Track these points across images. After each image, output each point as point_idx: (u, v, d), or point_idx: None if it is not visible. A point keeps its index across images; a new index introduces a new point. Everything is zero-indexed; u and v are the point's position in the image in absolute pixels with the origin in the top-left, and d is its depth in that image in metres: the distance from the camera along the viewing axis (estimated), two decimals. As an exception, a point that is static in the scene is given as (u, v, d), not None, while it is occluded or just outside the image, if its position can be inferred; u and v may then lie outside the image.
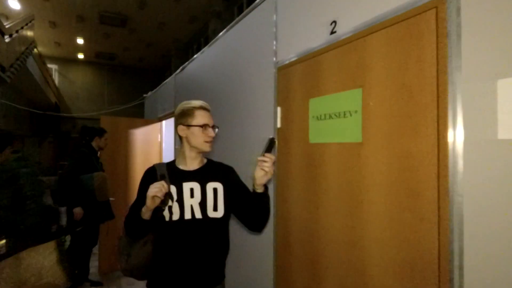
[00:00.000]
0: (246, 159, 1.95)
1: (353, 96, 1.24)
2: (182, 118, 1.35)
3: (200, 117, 1.33)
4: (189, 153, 1.37)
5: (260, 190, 1.26)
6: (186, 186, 1.32)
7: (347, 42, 1.26)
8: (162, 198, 1.17)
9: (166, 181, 1.26)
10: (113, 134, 3.60)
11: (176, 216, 1.28)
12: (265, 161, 1.18)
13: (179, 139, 1.43)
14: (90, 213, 2.97)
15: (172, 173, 1.34)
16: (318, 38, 1.41)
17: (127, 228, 1.30)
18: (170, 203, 1.27)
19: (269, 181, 1.26)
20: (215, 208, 1.32)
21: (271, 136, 1.21)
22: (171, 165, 1.40)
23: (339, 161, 1.29)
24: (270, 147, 1.20)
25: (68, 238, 3.03)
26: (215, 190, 1.35)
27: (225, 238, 1.39)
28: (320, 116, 1.40)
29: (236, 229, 1.95)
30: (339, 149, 1.29)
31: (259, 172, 1.20)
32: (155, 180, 1.30)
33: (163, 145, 4.22)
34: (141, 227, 1.27)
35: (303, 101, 1.51)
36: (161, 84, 4.21)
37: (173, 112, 3.55)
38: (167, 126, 4.38)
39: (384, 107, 1.11)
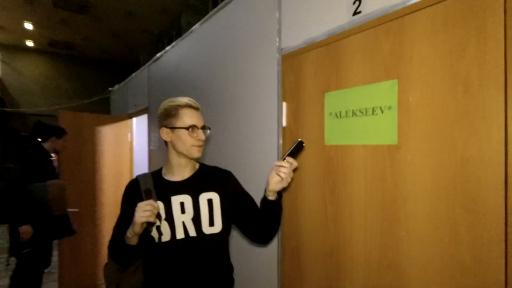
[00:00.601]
0: (242, 165, 1.70)
1: (385, 89, 1.04)
2: (166, 119, 1.12)
3: (186, 117, 1.10)
4: (176, 160, 1.15)
5: (272, 197, 1.06)
6: (175, 200, 1.11)
7: (376, 24, 1.06)
8: (154, 221, 0.96)
9: (152, 197, 1.07)
10: (76, 132, 3.15)
11: (166, 237, 1.07)
12: (283, 166, 0.98)
13: (164, 144, 1.17)
14: (42, 230, 2.46)
15: (158, 185, 1.12)
16: (336, 20, 1.20)
17: (112, 255, 1.11)
18: (157, 222, 1.06)
19: (284, 189, 1.05)
20: (212, 223, 1.12)
21: (299, 139, 1.02)
22: (157, 175, 1.17)
23: (366, 167, 1.09)
24: (295, 151, 1.00)
25: (13, 260, 2.51)
26: (210, 201, 1.14)
27: (226, 254, 1.18)
28: (340, 113, 1.19)
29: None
30: (366, 153, 1.09)
31: (274, 177, 1.01)
32: (139, 195, 1.09)
33: (134, 145, 3.82)
34: (128, 254, 1.05)
35: (316, 96, 1.29)
36: (131, 76, 3.79)
37: (146, 108, 3.18)
38: (139, 124, 3.97)
39: (430, 103, 0.92)
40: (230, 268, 1.19)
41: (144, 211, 0.95)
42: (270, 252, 1.50)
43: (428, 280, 0.91)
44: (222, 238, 1.14)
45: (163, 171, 1.19)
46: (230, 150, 1.81)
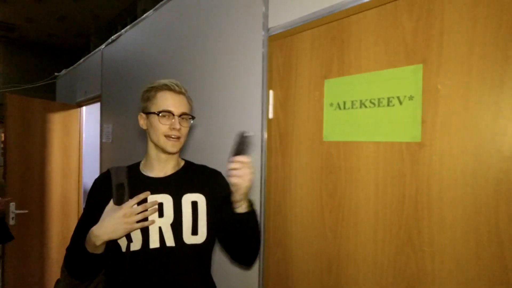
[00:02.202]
0: (219, 162, 1.45)
1: (406, 76, 0.86)
2: (142, 103, 0.98)
3: (161, 101, 0.91)
4: (154, 153, 0.96)
5: (240, 209, 0.88)
6: (153, 200, 0.91)
7: (395, -2, 0.88)
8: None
9: (125, 194, 0.88)
10: (24, 121, 2.67)
11: (137, 245, 0.88)
12: (234, 168, 0.83)
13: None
14: None
15: (134, 181, 0.91)
16: (342, -6, 1.00)
17: (69, 266, 0.92)
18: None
19: (249, 192, 0.89)
20: (195, 231, 0.92)
21: (241, 131, 0.87)
22: (134, 169, 0.98)
23: (378, 167, 0.91)
24: (241, 147, 0.85)
25: None
26: (194, 204, 0.95)
27: (208, 270, 0.99)
28: (344, 103, 1.00)
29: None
30: (378, 151, 0.91)
31: (232, 186, 0.86)
32: (109, 192, 0.90)
33: (83, 137, 3.35)
34: (90, 264, 0.87)
35: (313, 83, 1.09)
36: (82, 59, 3.31)
37: (98, 96, 2.77)
38: (89, 113, 3.50)
39: (464, 92, 0.76)
40: (212, 287, 0.99)
41: (128, 217, 0.81)
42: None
43: (459, 305, 0.75)
44: (205, 250, 0.94)
45: (142, 164, 1.01)
46: (205, 145, 1.55)
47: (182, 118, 0.93)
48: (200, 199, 0.96)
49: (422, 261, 0.81)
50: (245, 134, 0.86)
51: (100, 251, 0.84)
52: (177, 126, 0.90)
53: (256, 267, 1.25)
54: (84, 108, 3.36)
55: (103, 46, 2.77)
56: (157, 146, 0.94)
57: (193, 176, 1.00)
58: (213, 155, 1.49)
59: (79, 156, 3.20)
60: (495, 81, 0.72)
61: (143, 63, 2.10)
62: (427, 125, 0.82)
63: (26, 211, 2.61)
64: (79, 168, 3.20)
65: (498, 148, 0.71)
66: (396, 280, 0.86)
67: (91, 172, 3.67)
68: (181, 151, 1.01)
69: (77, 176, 3.16)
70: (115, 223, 0.81)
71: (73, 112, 3.17)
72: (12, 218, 2.46)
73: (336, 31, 1.02)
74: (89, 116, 3.42)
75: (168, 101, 0.91)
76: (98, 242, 0.81)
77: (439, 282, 0.78)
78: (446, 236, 0.77)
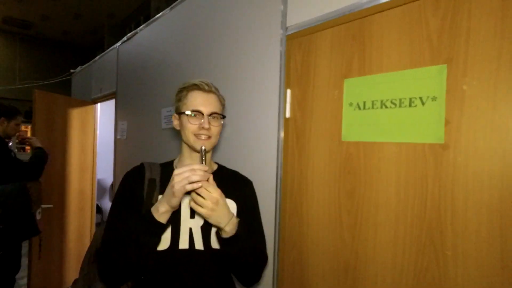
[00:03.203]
0: (235, 162, 1.45)
1: (430, 76, 0.85)
2: (175, 103, 0.97)
3: (191, 100, 0.90)
4: (188, 152, 0.96)
5: (225, 234, 0.81)
6: (186, 200, 0.89)
7: (420, -4, 0.86)
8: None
9: (155, 190, 0.89)
10: (49, 116, 2.72)
11: (164, 244, 0.85)
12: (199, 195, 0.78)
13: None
14: (11, 231, 2.10)
15: (166, 178, 0.87)
16: (364, -8, 0.99)
17: (110, 267, 0.82)
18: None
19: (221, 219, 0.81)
20: None
21: (201, 146, 0.86)
22: (168, 168, 0.97)
23: (399, 169, 0.89)
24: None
25: None
26: None
27: (229, 278, 0.97)
28: (364, 103, 0.99)
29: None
30: (400, 152, 0.90)
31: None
32: (141, 185, 0.89)
33: (98, 135, 3.40)
34: (144, 257, 0.79)
35: (331, 82, 1.08)
36: (97, 57, 3.36)
37: (114, 93, 2.80)
38: (104, 110, 3.55)
39: (491, 94, 0.74)
40: None
41: (182, 178, 0.75)
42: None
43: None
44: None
45: (175, 163, 1.00)
46: (221, 145, 1.55)
47: (213, 117, 0.91)
48: (232, 205, 0.93)
49: (444, 266, 0.80)
50: (202, 148, 0.84)
51: (164, 220, 0.79)
52: (206, 126, 0.88)
53: (270, 268, 1.25)
54: (99, 105, 3.41)
55: (118, 43, 2.80)
56: (189, 145, 0.93)
57: (227, 181, 0.95)
58: (229, 154, 1.49)
59: (93, 152, 3.25)
60: (525, 82, 0.70)
61: (158, 61, 2.12)
62: (451, 126, 0.80)
63: (51, 206, 2.67)
64: (93, 164, 3.26)
65: (527, 151, 0.69)
66: (416, 285, 0.84)
67: (104, 169, 3.72)
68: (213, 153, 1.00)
69: (91, 173, 3.22)
70: (167, 190, 0.77)
71: (89, 108, 3.22)
72: (39, 212, 2.52)
73: (357, 30, 1.01)
74: (103, 113, 3.47)
75: (197, 101, 0.90)
76: (159, 215, 0.78)
77: (461, 286, 0.77)
78: (470, 240, 0.76)
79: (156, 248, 0.81)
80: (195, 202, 0.77)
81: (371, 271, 0.94)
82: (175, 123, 0.96)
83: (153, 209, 0.79)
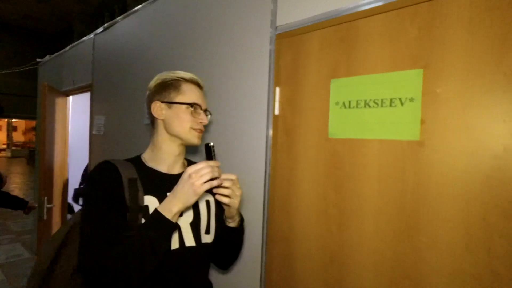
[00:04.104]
0: (222, 159, 1.48)
1: (408, 79, 0.94)
2: (162, 91, 0.90)
3: (191, 93, 0.90)
4: (168, 146, 0.91)
5: (232, 223, 0.91)
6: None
7: (403, 5, 0.94)
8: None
9: (139, 191, 0.82)
10: (49, 111, 2.75)
11: (174, 244, 0.85)
12: (223, 187, 0.81)
13: (151, 125, 0.93)
14: None
15: (143, 176, 0.86)
16: (351, -1, 1.06)
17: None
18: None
19: (239, 208, 0.91)
20: (207, 230, 0.93)
21: (207, 143, 0.85)
22: (138, 164, 0.90)
23: (381, 164, 0.98)
24: (210, 158, 0.84)
25: None
26: (207, 204, 0.96)
27: (208, 269, 0.99)
28: (349, 103, 1.06)
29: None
30: (382, 148, 0.98)
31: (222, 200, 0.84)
32: (119, 183, 0.80)
33: (69, 129, 3.27)
34: (158, 262, 0.75)
35: (320, 82, 1.15)
36: (69, 46, 3.21)
37: (89, 85, 2.71)
38: (76, 102, 3.42)
39: (462, 96, 0.84)
40: (210, 285, 1.00)
41: (202, 175, 0.73)
42: (252, 258, 1.33)
43: (451, 288, 0.84)
44: (210, 248, 0.96)
45: (145, 158, 0.92)
46: (209, 140, 1.58)
47: (205, 114, 0.93)
48: (211, 198, 0.96)
49: (420, 251, 0.89)
50: (210, 144, 0.84)
51: (175, 220, 0.76)
52: (206, 121, 0.90)
53: (258, 260, 1.31)
54: (70, 97, 3.27)
55: (94, 33, 2.70)
56: (174, 138, 0.89)
57: None
58: (217, 150, 1.52)
59: (64, 148, 3.12)
60: (488, 86, 0.80)
61: (140, 55, 2.08)
62: (426, 125, 0.90)
63: (53, 205, 2.68)
64: (64, 161, 3.13)
65: (490, 147, 0.79)
66: (395, 269, 0.94)
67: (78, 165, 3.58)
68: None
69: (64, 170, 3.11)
70: (183, 188, 0.73)
71: (60, 101, 3.08)
72: (46, 212, 2.52)
73: (344, 33, 1.08)
74: (76, 106, 3.35)
75: (197, 95, 0.91)
76: (173, 216, 0.74)
77: (435, 271, 0.86)
78: (441, 228, 0.86)
79: (169, 250, 0.81)
80: (221, 194, 0.81)
81: (355, 260, 1.03)
82: (159, 112, 0.89)
83: (163, 211, 0.74)
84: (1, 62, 9.01)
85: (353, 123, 1.05)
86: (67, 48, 3.27)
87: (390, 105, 0.97)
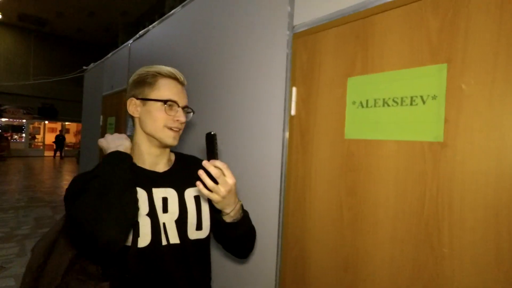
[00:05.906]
0: (238, 160, 1.49)
1: (430, 75, 0.86)
2: (137, 87, 0.87)
3: (166, 89, 0.85)
4: (147, 147, 0.88)
5: (229, 218, 0.82)
6: (157, 194, 0.85)
7: (423, -3, 0.88)
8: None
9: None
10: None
11: (145, 241, 0.80)
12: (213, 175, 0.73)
13: (131, 122, 0.93)
14: None
15: (132, 171, 0.82)
16: (369, -8, 1.01)
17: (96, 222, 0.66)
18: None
19: (230, 200, 0.79)
20: (199, 226, 0.89)
21: (209, 132, 0.76)
22: None
23: (398, 166, 0.91)
24: (212, 148, 0.75)
25: None
26: (197, 199, 0.92)
27: (208, 263, 0.96)
28: (366, 102, 1.01)
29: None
30: (400, 150, 0.91)
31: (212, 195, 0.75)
32: None
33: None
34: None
35: (336, 81, 1.10)
36: (110, 54, 3.44)
37: (124, 90, 2.87)
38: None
39: (489, 93, 0.76)
40: (209, 279, 0.95)
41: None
42: (267, 260, 1.30)
43: (476, 307, 0.75)
44: (207, 243, 0.93)
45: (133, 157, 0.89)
46: (225, 143, 1.59)
47: (184, 111, 0.87)
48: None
49: (441, 263, 0.81)
50: (212, 133, 0.76)
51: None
52: (183, 119, 0.84)
53: (273, 263, 1.28)
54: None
55: (130, 41, 2.87)
56: (151, 137, 0.86)
57: (189, 169, 0.91)
58: (234, 150, 1.53)
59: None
60: (524, 82, 0.71)
61: (169, 59, 2.17)
62: (450, 125, 0.82)
63: None
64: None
65: (524, 150, 0.70)
66: (413, 281, 0.86)
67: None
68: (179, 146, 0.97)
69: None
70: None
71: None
72: None
73: (360, 29, 1.03)
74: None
75: (173, 91, 0.85)
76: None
77: (457, 285, 0.78)
78: (467, 238, 0.77)
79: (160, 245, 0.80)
80: (205, 187, 0.73)
81: (370, 267, 0.96)
82: (135, 109, 0.86)
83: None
84: (56, 70, 9.92)
85: (370, 123, 0.99)
86: (108, 56, 3.51)
87: (411, 104, 0.90)
